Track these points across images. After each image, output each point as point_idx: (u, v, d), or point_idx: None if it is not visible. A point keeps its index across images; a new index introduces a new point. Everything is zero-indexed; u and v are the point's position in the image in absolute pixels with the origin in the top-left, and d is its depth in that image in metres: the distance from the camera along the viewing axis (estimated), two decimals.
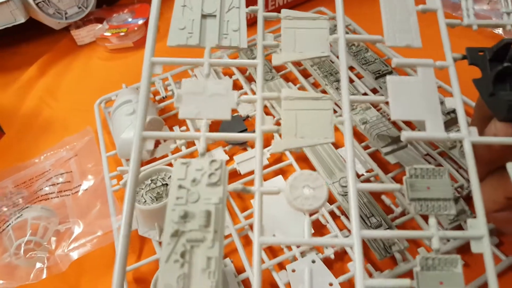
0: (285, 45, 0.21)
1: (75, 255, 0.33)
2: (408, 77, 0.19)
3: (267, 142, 0.39)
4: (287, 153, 0.36)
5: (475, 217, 0.30)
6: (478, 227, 0.16)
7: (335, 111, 0.40)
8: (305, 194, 0.17)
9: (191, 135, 0.19)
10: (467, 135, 0.18)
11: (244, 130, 0.37)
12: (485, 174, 0.24)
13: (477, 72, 0.20)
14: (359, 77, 0.42)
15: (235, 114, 0.42)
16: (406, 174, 0.17)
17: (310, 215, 0.32)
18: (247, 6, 0.22)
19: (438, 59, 0.21)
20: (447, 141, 0.18)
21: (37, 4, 0.53)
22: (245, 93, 0.43)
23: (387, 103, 0.18)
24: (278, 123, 0.38)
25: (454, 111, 0.34)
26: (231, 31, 0.21)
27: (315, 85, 0.43)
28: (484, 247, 0.16)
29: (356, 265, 0.16)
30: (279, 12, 0.22)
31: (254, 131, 0.19)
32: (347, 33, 0.47)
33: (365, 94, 0.40)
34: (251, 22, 0.53)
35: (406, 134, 0.18)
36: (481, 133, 0.21)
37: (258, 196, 0.17)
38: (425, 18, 0.22)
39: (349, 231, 0.31)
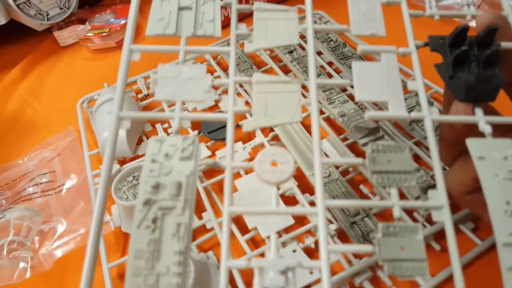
0: (256, 34, 0.22)
1: (58, 253, 0.33)
2: (372, 62, 0.20)
3: (248, 137, 0.40)
4: (269, 147, 0.37)
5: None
6: (438, 198, 0.17)
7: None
8: (273, 168, 0.18)
9: (166, 115, 0.20)
10: (428, 114, 0.19)
11: (225, 126, 0.38)
12: (454, 157, 0.24)
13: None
14: (338, 71, 0.43)
15: (217, 110, 0.42)
16: (369, 150, 0.18)
17: (290, 204, 0.32)
18: None
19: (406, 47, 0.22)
20: (408, 119, 0.19)
21: (17, 6, 0.53)
22: (226, 90, 0.44)
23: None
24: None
25: (428, 101, 0.34)
26: (206, 21, 0.22)
27: None
28: (444, 216, 0.17)
29: (320, 231, 0.16)
30: None
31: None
32: None
33: (344, 89, 0.41)
34: (228, 22, 0.54)
35: (369, 114, 0.19)
36: None
37: (229, 170, 0.18)
38: (395, 9, 0.23)
39: (329, 221, 0.32)
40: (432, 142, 0.18)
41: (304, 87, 0.43)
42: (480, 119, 0.19)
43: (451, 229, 0.16)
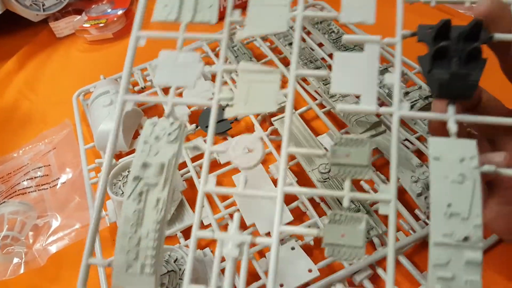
0: (249, 21, 0.22)
1: (53, 249, 0.32)
2: (355, 53, 0.20)
3: (247, 132, 0.39)
4: (267, 141, 0.36)
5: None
6: (388, 192, 0.18)
7: (315, 99, 0.40)
8: (244, 154, 0.20)
9: (160, 100, 0.22)
10: (397, 109, 0.19)
11: (222, 120, 0.37)
12: None
13: None
14: None
15: None
16: (333, 142, 0.19)
17: (290, 199, 0.32)
18: None
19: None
20: (377, 113, 0.19)
21: None
22: (224, 82, 0.43)
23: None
24: None
25: (431, 96, 0.34)
26: (205, 8, 0.23)
27: None
28: (390, 210, 0.17)
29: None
30: None
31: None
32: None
33: None
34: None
35: (339, 106, 0.19)
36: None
37: (208, 154, 0.20)
38: None
39: None
40: (394, 138, 0.18)
41: (304, 79, 0.42)
42: (450, 117, 0.18)
43: (394, 224, 0.17)
